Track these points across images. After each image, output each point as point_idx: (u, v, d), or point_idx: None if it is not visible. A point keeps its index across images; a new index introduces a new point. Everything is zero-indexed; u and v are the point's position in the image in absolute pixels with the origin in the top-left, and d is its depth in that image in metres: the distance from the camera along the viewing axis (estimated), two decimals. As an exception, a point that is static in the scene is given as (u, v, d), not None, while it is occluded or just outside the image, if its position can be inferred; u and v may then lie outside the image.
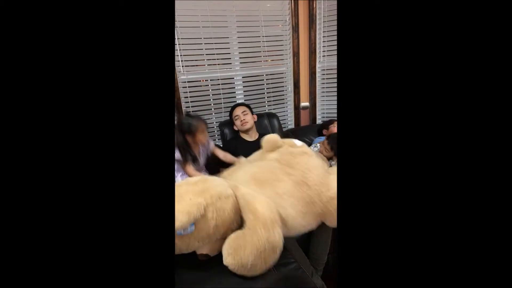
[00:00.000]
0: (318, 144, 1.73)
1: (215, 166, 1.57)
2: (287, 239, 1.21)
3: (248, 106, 1.76)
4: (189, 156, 1.37)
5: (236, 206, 1.01)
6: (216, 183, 1.02)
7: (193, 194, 0.93)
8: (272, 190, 1.09)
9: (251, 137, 1.74)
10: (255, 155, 1.41)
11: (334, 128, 1.84)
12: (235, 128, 1.75)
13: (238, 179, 1.17)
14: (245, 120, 1.69)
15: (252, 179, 1.15)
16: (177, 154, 1.35)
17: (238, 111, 1.71)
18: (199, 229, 0.92)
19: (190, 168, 1.36)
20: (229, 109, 1.83)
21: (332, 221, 1.16)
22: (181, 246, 0.93)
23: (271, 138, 1.31)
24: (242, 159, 1.46)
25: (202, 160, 1.48)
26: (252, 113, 1.76)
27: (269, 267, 0.96)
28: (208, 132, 1.98)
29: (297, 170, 1.15)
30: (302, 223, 1.10)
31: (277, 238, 0.95)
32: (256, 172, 1.19)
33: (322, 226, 1.32)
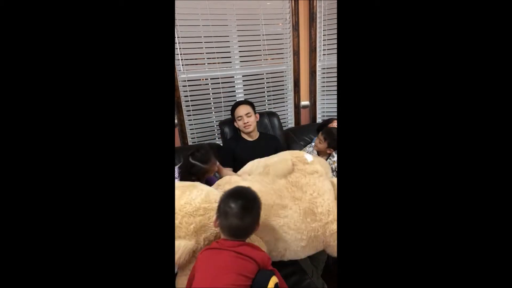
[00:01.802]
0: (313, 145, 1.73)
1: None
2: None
3: (252, 105, 1.71)
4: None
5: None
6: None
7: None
8: (275, 222, 0.99)
9: (252, 137, 1.72)
10: (259, 166, 1.20)
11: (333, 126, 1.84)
12: (236, 125, 1.73)
13: None
14: (248, 123, 1.64)
15: None
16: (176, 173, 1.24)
17: (242, 111, 1.65)
18: None
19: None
20: (229, 108, 1.82)
21: (332, 253, 1.06)
22: None
23: (285, 167, 1.09)
24: (245, 175, 1.24)
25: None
26: (255, 112, 1.72)
27: None
28: (206, 133, 1.99)
29: (305, 194, 1.03)
30: (300, 255, 1.04)
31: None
32: (261, 192, 0.98)
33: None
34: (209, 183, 1.24)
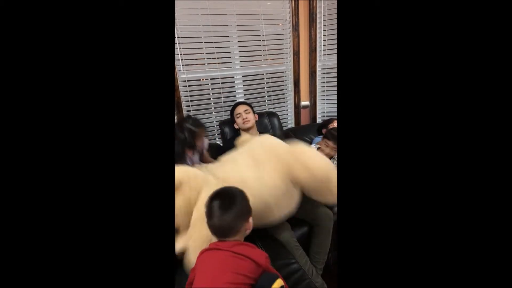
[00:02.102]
0: (316, 144, 1.73)
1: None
2: (287, 240, 1.22)
3: (250, 105, 1.75)
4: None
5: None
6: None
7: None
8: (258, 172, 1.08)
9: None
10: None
11: (333, 126, 1.84)
12: (236, 126, 1.74)
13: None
14: (247, 118, 1.68)
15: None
16: None
17: (240, 109, 1.70)
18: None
19: None
20: (229, 108, 1.82)
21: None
22: None
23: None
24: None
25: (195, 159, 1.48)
26: (254, 112, 1.75)
27: None
28: (208, 132, 1.99)
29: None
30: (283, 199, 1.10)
31: None
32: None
33: (322, 225, 1.33)
34: (201, 150, 1.43)
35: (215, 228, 0.80)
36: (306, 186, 1.13)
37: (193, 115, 1.92)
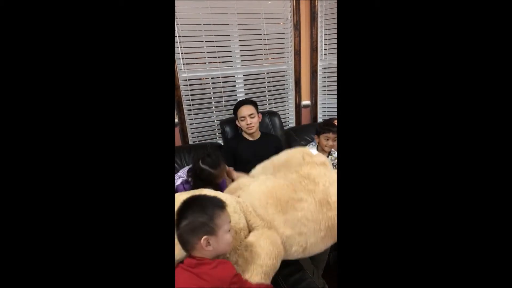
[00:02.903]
0: (314, 143, 1.72)
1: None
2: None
3: (255, 105, 1.69)
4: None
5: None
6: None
7: None
8: (293, 215, 1.00)
9: (253, 136, 1.72)
10: (267, 163, 1.27)
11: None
12: (238, 124, 1.72)
13: (253, 196, 1.05)
14: (252, 124, 1.63)
15: (271, 197, 1.03)
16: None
17: (245, 112, 1.63)
18: None
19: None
20: (230, 107, 1.82)
21: None
22: None
23: (297, 160, 1.13)
24: (258, 175, 1.27)
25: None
26: (258, 112, 1.70)
27: None
28: (207, 132, 1.98)
29: (318, 185, 1.05)
30: (321, 247, 1.04)
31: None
32: (275, 188, 1.05)
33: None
34: (221, 188, 1.25)
35: (176, 237, 0.75)
36: None
37: (194, 115, 1.92)
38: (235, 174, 1.38)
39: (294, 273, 1.10)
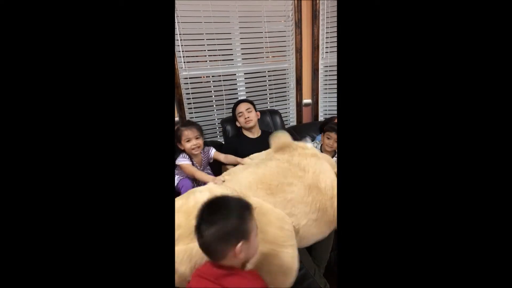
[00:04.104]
0: (318, 142, 1.72)
1: (217, 167, 1.56)
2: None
3: (252, 102, 1.74)
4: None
5: None
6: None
7: None
8: (283, 197, 1.03)
9: (254, 134, 1.73)
10: (261, 154, 1.35)
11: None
12: (238, 124, 1.73)
13: (243, 182, 1.09)
14: (249, 118, 1.66)
15: (260, 182, 1.06)
16: (187, 160, 1.36)
17: (242, 107, 1.68)
18: None
19: (198, 172, 1.35)
20: (231, 105, 1.81)
21: None
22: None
23: (284, 137, 1.22)
24: (246, 160, 1.38)
25: (204, 165, 1.48)
26: (256, 110, 1.74)
27: None
28: (208, 131, 1.98)
29: (308, 172, 1.09)
30: (314, 231, 1.05)
31: (289, 259, 0.85)
32: (265, 174, 1.10)
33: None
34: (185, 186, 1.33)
35: (201, 249, 0.66)
36: None
37: (195, 113, 1.91)
38: (221, 155, 1.51)
39: (296, 272, 1.09)
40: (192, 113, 1.91)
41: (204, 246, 0.65)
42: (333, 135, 1.57)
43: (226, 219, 0.64)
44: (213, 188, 1.07)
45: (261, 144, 1.68)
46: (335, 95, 2.23)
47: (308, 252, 1.27)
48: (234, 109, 1.73)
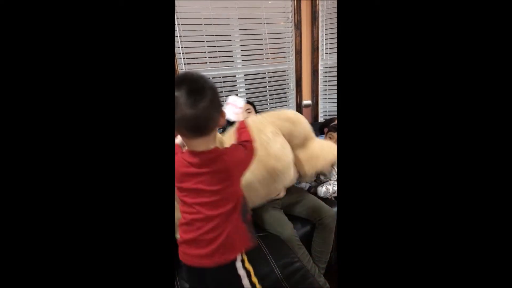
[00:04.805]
0: None
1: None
2: (289, 238, 1.21)
3: (252, 104, 1.74)
4: None
5: None
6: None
7: None
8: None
9: (253, 134, 1.74)
10: None
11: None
12: None
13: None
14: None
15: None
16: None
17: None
18: None
19: None
20: (231, 106, 1.82)
21: None
22: None
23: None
24: None
25: None
26: (256, 111, 1.74)
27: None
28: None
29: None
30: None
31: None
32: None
33: (324, 224, 1.32)
34: None
35: (186, 121, 0.66)
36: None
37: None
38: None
39: (296, 272, 1.09)
40: (192, 114, 1.92)
41: (201, 117, 0.67)
42: (335, 135, 1.58)
43: (210, 89, 0.68)
44: None
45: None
46: (335, 96, 2.23)
47: (308, 252, 1.27)
48: None
